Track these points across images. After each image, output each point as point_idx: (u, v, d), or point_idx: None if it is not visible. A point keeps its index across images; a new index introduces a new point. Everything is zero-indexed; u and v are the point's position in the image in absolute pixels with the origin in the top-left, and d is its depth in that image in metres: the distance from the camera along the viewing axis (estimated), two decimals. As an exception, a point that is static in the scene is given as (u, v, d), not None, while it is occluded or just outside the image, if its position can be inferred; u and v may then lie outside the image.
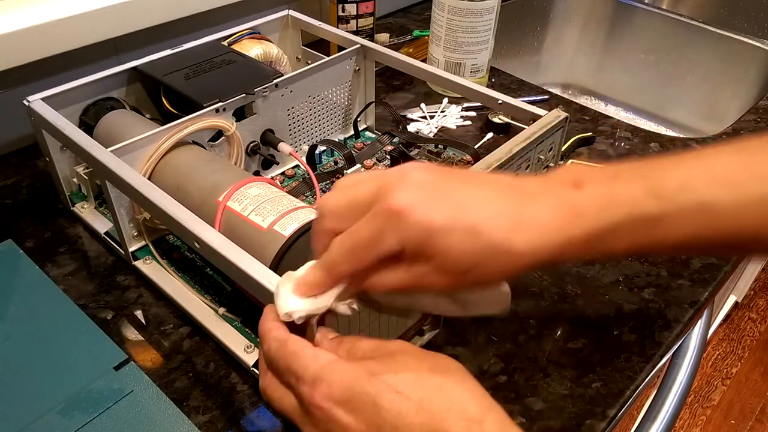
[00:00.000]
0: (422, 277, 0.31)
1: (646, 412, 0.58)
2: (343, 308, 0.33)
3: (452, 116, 0.74)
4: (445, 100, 0.76)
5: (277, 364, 0.32)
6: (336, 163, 0.64)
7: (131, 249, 0.52)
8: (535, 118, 0.51)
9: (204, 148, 0.54)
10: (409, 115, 0.74)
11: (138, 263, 0.52)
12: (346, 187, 0.32)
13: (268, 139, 0.59)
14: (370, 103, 0.68)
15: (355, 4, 0.79)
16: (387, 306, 0.36)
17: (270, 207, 0.44)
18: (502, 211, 0.30)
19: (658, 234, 0.30)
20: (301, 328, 0.34)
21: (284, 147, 0.59)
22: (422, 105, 0.76)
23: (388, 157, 0.65)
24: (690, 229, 0.30)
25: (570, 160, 0.66)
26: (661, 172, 0.31)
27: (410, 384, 0.29)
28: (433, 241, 0.29)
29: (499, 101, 0.55)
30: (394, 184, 0.30)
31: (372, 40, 0.81)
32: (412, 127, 0.72)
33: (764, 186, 0.29)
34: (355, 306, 0.33)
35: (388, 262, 0.31)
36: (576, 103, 0.79)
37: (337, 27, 0.78)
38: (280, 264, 0.41)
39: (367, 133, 0.70)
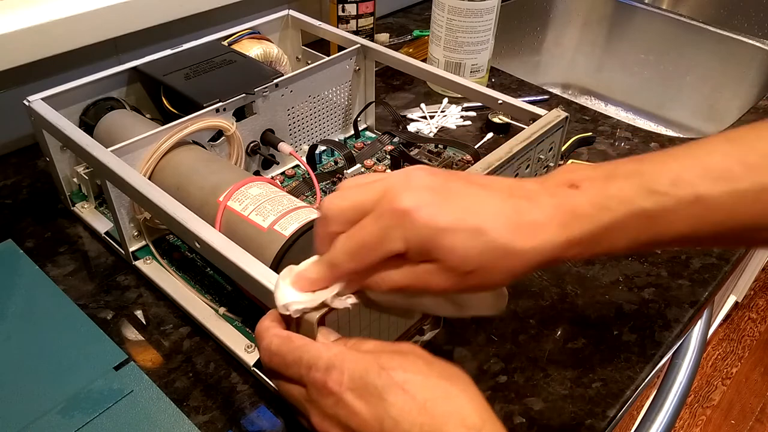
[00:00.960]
0: (425, 277, 0.31)
1: (646, 412, 0.58)
2: (340, 304, 0.33)
3: (452, 116, 0.74)
4: (445, 100, 0.76)
5: (283, 358, 0.33)
6: (336, 162, 0.64)
7: (131, 249, 0.52)
8: (535, 117, 0.51)
9: (204, 148, 0.54)
10: (409, 115, 0.74)
11: (138, 263, 0.52)
12: (350, 189, 0.33)
13: (269, 139, 0.59)
14: (370, 103, 0.68)
15: (355, 4, 0.79)
16: (386, 306, 0.36)
17: (270, 207, 0.44)
18: (506, 214, 0.30)
19: (655, 230, 0.30)
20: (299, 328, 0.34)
21: (284, 147, 0.59)
22: (422, 105, 0.76)
23: (388, 157, 0.65)
24: (687, 224, 0.30)
25: (570, 160, 0.66)
26: (655, 168, 0.31)
27: (417, 385, 0.30)
28: (439, 241, 0.30)
29: (499, 101, 0.55)
30: (398, 187, 0.31)
31: (372, 40, 0.81)
32: (412, 127, 0.72)
33: (756, 177, 0.30)
34: (352, 302, 0.34)
35: (391, 262, 0.31)
36: (576, 103, 0.79)
37: (337, 27, 0.78)
38: (280, 264, 0.41)
39: (367, 133, 0.70)
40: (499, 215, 0.30)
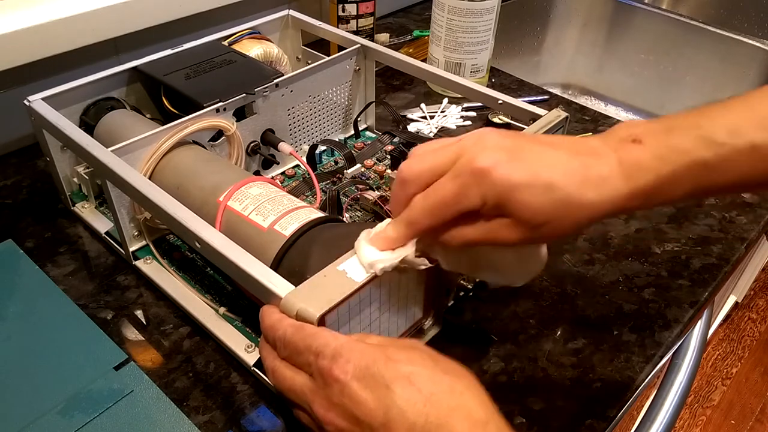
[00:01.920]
0: (498, 231, 0.33)
1: (646, 412, 0.58)
2: (420, 262, 0.36)
3: (452, 116, 0.74)
4: (445, 100, 0.76)
5: (295, 346, 0.33)
6: (336, 162, 0.64)
7: (132, 249, 0.52)
8: (535, 117, 0.51)
9: (204, 148, 0.54)
10: (409, 115, 0.74)
11: (138, 263, 0.52)
12: (425, 153, 0.35)
13: (269, 139, 0.59)
14: (371, 103, 0.68)
15: (355, 4, 0.79)
16: (451, 265, 0.38)
17: (271, 207, 0.44)
18: (573, 169, 0.33)
19: (713, 178, 0.32)
20: None
21: (284, 147, 0.59)
22: (422, 105, 0.76)
23: (389, 157, 0.65)
24: (742, 171, 0.32)
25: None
26: (712, 120, 0.33)
27: (423, 378, 0.31)
28: (514, 197, 0.32)
29: (499, 101, 0.55)
30: (474, 148, 0.33)
31: (372, 40, 0.81)
32: (412, 127, 0.72)
33: None
34: (427, 265, 0.36)
35: (464, 218, 0.34)
36: (576, 103, 0.79)
37: (337, 27, 0.78)
38: (281, 264, 0.41)
39: (368, 133, 0.70)
40: (568, 170, 0.33)
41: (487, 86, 0.60)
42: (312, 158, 0.62)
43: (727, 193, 0.59)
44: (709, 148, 0.32)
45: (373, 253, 0.35)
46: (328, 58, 0.61)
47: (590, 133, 0.71)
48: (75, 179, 0.58)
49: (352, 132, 0.69)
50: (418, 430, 0.29)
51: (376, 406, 0.30)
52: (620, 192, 0.32)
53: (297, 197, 0.48)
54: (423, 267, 0.37)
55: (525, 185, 0.32)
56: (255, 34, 0.65)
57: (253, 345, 0.45)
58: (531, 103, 0.64)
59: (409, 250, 0.35)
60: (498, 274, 0.39)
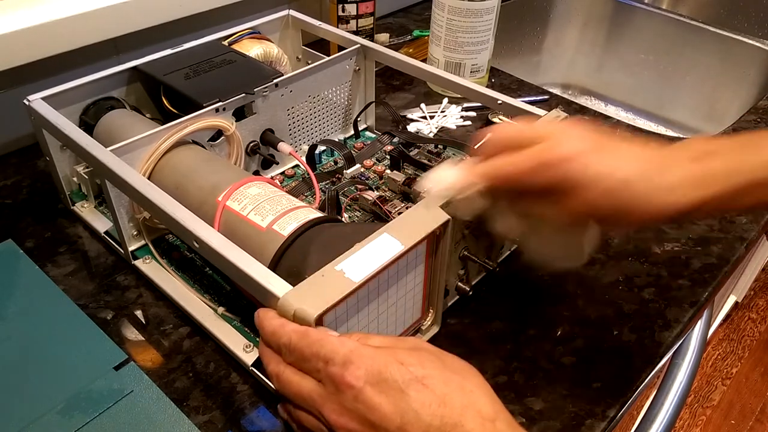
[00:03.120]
0: (569, 209, 0.37)
1: (646, 412, 0.58)
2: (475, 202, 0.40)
3: (452, 116, 0.74)
4: (445, 100, 0.76)
5: (301, 352, 0.33)
6: (336, 162, 0.64)
7: (131, 248, 0.52)
8: (535, 118, 0.51)
9: (204, 147, 0.54)
10: (409, 115, 0.74)
11: (138, 263, 0.52)
12: (521, 124, 0.40)
13: (268, 139, 0.59)
14: (370, 103, 0.68)
15: (355, 4, 0.79)
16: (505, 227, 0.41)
17: (269, 206, 0.44)
18: (650, 171, 0.36)
19: None
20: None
21: (284, 147, 0.59)
22: (422, 105, 0.76)
23: (388, 157, 0.65)
24: None
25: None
26: None
27: (435, 380, 0.32)
28: (590, 185, 0.36)
29: (499, 101, 0.55)
30: (564, 133, 0.38)
31: (372, 40, 0.81)
32: (412, 127, 0.72)
33: None
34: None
35: (540, 192, 0.37)
36: (576, 103, 0.79)
37: (337, 27, 0.78)
38: (279, 263, 0.41)
39: (367, 133, 0.70)
40: (645, 172, 0.36)
41: (487, 86, 0.60)
42: (311, 158, 0.62)
43: None
44: None
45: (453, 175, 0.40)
46: (328, 58, 0.61)
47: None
48: (75, 179, 0.58)
49: (352, 132, 0.69)
50: (433, 431, 0.30)
51: (391, 410, 0.31)
52: (688, 198, 0.36)
53: (296, 197, 0.48)
54: (477, 188, 0.40)
55: (602, 177, 0.36)
56: (255, 34, 0.65)
57: (252, 345, 0.45)
58: (531, 103, 0.64)
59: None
60: (546, 250, 0.42)
